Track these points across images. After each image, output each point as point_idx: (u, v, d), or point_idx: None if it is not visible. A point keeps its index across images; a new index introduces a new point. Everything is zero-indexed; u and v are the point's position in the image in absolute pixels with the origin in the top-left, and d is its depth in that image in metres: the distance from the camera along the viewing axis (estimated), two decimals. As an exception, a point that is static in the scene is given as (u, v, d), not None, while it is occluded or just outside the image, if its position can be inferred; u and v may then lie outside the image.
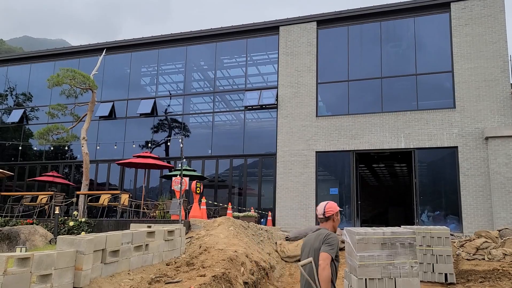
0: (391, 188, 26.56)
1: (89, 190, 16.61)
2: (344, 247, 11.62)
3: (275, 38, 17.95)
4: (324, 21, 17.28)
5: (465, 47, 15.13)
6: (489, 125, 14.20)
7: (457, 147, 14.48)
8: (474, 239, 11.05)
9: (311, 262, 3.66)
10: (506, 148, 13.64)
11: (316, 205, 15.60)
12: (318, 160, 16.11)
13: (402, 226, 9.58)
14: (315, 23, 17.31)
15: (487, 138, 14.01)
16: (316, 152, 16.13)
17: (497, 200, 13.45)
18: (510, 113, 14.15)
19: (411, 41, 16.14)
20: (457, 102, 14.81)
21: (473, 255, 10.47)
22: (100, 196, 15.56)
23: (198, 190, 11.55)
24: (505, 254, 10.21)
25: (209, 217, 13.46)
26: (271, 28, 18.07)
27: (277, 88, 17.35)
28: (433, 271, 9.17)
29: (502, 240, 10.88)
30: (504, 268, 9.34)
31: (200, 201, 12.20)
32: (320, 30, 17.31)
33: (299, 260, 11.55)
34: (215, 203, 15.30)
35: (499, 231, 11.44)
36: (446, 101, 15.11)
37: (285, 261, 11.04)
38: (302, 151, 16.29)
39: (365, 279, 6.43)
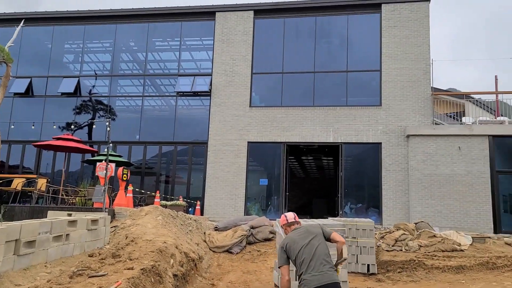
0: (316, 180, 27.42)
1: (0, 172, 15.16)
2: (274, 238, 11.77)
3: (211, 24, 17.54)
4: (261, 11, 17.18)
5: (393, 48, 15.85)
6: (411, 123, 15.05)
7: (381, 143, 15.20)
8: (393, 231, 11.64)
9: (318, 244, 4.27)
10: (424, 146, 14.55)
11: (246, 195, 15.67)
12: (249, 151, 16.09)
13: (330, 218, 9.84)
14: (252, 12, 17.16)
15: (408, 136, 14.85)
16: (248, 142, 16.09)
17: (414, 195, 14.34)
18: (430, 113, 15.12)
19: (343, 38, 16.58)
20: (383, 100, 15.52)
21: (392, 246, 11.02)
22: (12, 180, 14.25)
23: (124, 177, 10.96)
24: (420, 246, 10.87)
25: (134, 205, 12.89)
26: (207, 13, 17.62)
27: (211, 75, 17.01)
28: (357, 262, 9.52)
29: (418, 233, 11.58)
30: (419, 259, 9.93)
31: (126, 188, 11.60)
32: (257, 19, 17.20)
33: (227, 250, 11.35)
34: (142, 191, 14.70)
35: (415, 224, 12.17)
36: (373, 99, 15.77)
37: (213, 251, 10.88)
38: (234, 141, 16.16)
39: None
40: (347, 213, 15.40)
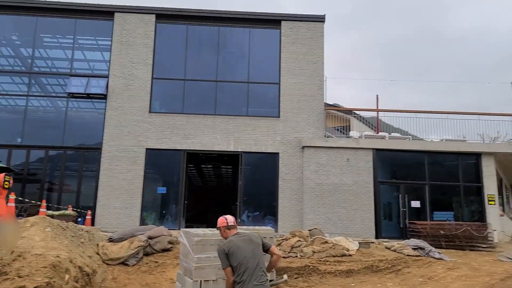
0: (214, 189, 27.46)
1: None
2: (173, 248, 11.45)
3: (108, 24, 16.66)
4: (164, 16, 16.83)
5: (291, 63, 16.65)
6: (306, 135, 15.91)
7: (278, 153, 15.80)
8: (289, 238, 12.13)
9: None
10: (317, 157, 15.47)
11: (142, 204, 15.09)
12: (148, 158, 15.54)
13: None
14: (154, 16, 16.72)
15: (303, 147, 15.66)
16: (146, 149, 15.54)
17: (307, 203, 15.13)
18: (323, 126, 16.15)
19: (245, 50, 16.98)
20: (282, 112, 16.19)
21: (289, 253, 11.46)
22: None
23: (6, 184, 9.78)
24: (314, 252, 11.49)
25: (16, 215, 11.56)
26: (105, 13, 16.71)
27: (108, 77, 16.13)
28: (257, 269, 9.66)
29: (311, 239, 12.22)
30: (313, 264, 10.47)
31: (8, 197, 10.37)
32: (159, 24, 16.80)
33: (123, 263, 10.72)
34: (26, 200, 13.27)
35: (309, 230, 12.84)
36: (272, 110, 16.36)
37: (108, 264, 10.21)
38: (131, 147, 15.48)
39: (200, 281, 6.37)
40: (244, 221, 15.66)
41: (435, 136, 16.68)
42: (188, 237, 6.78)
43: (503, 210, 17.82)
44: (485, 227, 14.11)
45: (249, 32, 17.11)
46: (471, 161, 15.94)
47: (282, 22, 17.03)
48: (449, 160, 16.08)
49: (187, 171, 16.57)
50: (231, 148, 15.79)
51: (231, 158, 17.52)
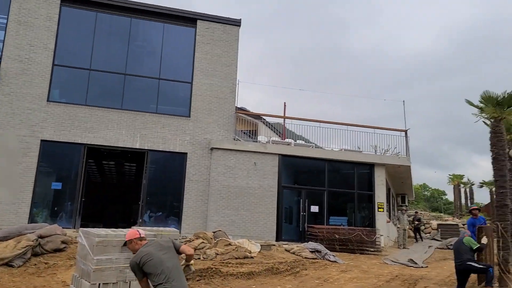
0: (114, 186, 26.15)
1: None
2: (67, 248, 10.65)
3: (5, 0, 15.05)
4: (71, -1, 15.66)
5: (205, 64, 16.54)
6: (215, 137, 15.90)
7: (186, 153, 15.56)
8: (193, 240, 12.01)
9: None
10: (226, 159, 15.56)
11: (33, 200, 13.86)
12: (42, 150, 14.29)
13: (135, 228, 9.48)
14: (59, -3, 15.47)
15: (212, 149, 15.63)
16: (41, 140, 14.28)
17: (212, 205, 15.11)
18: (233, 129, 16.28)
19: (158, 45, 16.49)
20: (192, 112, 15.99)
21: (185, 245, 11.32)
22: None
23: None
24: (217, 254, 11.50)
25: None
26: (2, -13, 15.08)
27: (0, 59, 14.54)
28: (158, 271, 9.38)
29: (215, 241, 12.22)
30: (216, 267, 10.46)
31: None
32: (65, 7, 15.59)
33: (7, 264, 9.79)
34: None
35: (213, 232, 12.83)
36: (183, 109, 16.08)
37: (-11, 266, 9.18)
38: (24, 137, 14.11)
39: (99, 284, 6.00)
40: (146, 221, 15.15)
41: (335, 145, 17.75)
42: (88, 237, 6.35)
43: (389, 217, 19.55)
44: (374, 233, 15.34)
45: (163, 27, 16.65)
46: (365, 171, 17.24)
47: (198, 21, 16.86)
48: (346, 169, 17.22)
49: (86, 166, 15.56)
50: (137, 145, 15.19)
51: (136, 156, 16.85)
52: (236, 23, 17.26)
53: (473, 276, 9.17)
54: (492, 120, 8.33)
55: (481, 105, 8.52)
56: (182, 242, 11.33)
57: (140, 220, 14.99)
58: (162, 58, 16.37)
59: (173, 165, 15.83)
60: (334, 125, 17.68)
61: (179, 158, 15.60)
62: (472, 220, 10.26)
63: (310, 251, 13.06)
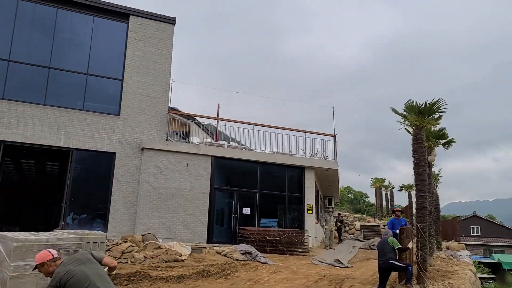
0: (33, 187, 24.38)
1: None
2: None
3: None
4: (-11, -17, 14.42)
5: (137, 61, 16.01)
6: (146, 137, 15.43)
7: (115, 153, 14.93)
8: (120, 243, 11.53)
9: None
10: (157, 160, 15.15)
11: None
12: (-50, 146, 12.97)
13: (57, 230, 8.90)
14: (-24, -20, 14.18)
15: (143, 149, 15.15)
16: (-51, 136, 12.95)
17: (142, 207, 14.63)
18: (165, 129, 15.91)
19: (87, 39, 15.67)
20: (122, 110, 15.38)
21: (119, 258, 10.88)
22: None
23: None
24: (146, 257, 11.15)
25: None
26: None
27: None
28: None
29: (144, 244, 11.85)
30: (145, 270, 10.14)
31: None
32: (-18, -9, 14.31)
33: None
34: None
35: (143, 235, 12.43)
36: (112, 107, 15.42)
37: None
38: None
39: (15, 293, 5.55)
40: (69, 224, 14.30)
41: (267, 148, 18.00)
42: (5, 241, 5.86)
43: (317, 219, 20.21)
44: (303, 234, 15.75)
45: (92, 20, 15.86)
46: (296, 174, 17.68)
47: (131, 17, 16.29)
48: (278, 171, 17.53)
49: (2, 165, 14.36)
50: (61, 143, 14.29)
51: (60, 155, 15.84)
52: (171, 21, 16.91)
53: (394, 275, 9.74)
54: (414, 127, 8.93)
55: (405, 113, 9.10)
56: (104, 248, 10.87)
57: (62, 223, 14.12)
58: (91, 53, 15.57)
59: (100, 165, 15.11)
60: (266, 128, 17.93)
61: (107, 158, 14.92)
62: (393, 220, 10.88)
63: (241, 253, 13.10)
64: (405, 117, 9.15)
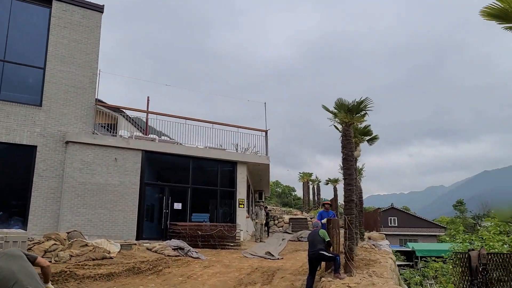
0: None
1: None
2: None
3: None
4: None
5: (61, 49, 15.09)
6: (72, 130, 14.62)
7: (36, 146, 13.99)
8: (43, 242, 10.88)
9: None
10: (83, 154, 14.43)
11: None
12: None
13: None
14: None
15: (67, 142, 14.34)
16: None
17: (66, 203, 13.87)
18: (92, 122, 15.18)
19: (4, 23, 14.46)
20: (44, 101, 14.44)
21: (42, 257, 10.25)
22: None
23: None
24: (72, 256, 10.63)
25: None
26: None
27: None
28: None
29: (69, 242, 11.26)
30: (70, 269, 9.65)
31: None
32: None
33: None
34: None
35: (68, 233, 11.80)
36: (33, 97, 14.41)
37: None
38: None
39: None
40: (-18, 223, 13.18)
41: (199, 143, 17.88)
42: None
43: (248, 212, 20.48)
44: (235, 228, 15.90)
45: (10, 3, 14.68)
46: (228, 168, 17.77)
47: (54, 1, 15.30)
48: (210, 166, 17.50)
49: None
50: (-26, 135, 13.11)
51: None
52: (99, 8, 16.14)
53: (322, 265, 10.19)
54: (343, 124, 9.37)
55: (335, 111, 9.52)
56: (26, 246, 10.24)
57: (-25, 222, 12.97)
58: (8, 38, 14.40)
59: (18, 159, 14.06)
60: (198, 123, 17.78)
61: (27, 152, 13.92)
62: (322, 212, 11.37)
63: (173, 249, 12.93)
64: (335, 114, 9.59)
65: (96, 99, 15.65)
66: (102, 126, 18.20)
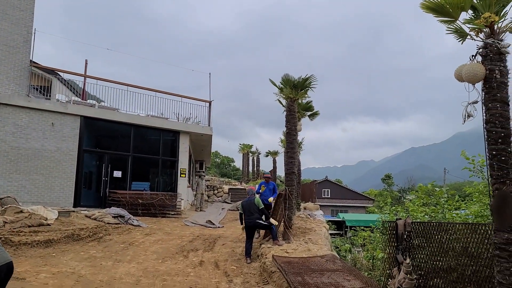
0: None
1: None
2: None
3: None
4: None
5: (-9, 3, 13.98)
6: (3, 91, 13.77)
7: (-37, 107, 13.07)
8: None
9: None
10: (16, 118, 13.71)
11: None
12: None
13: None
14: None
15: (-1, 104, 13.53)
16: None
17: None
18: (26, 84, 14.39)
19: None
20: (-27, 58, 13.41)
21: (-28, 225, 9.83)
22: None
23: None
24: (6, 222, 10.26)
25: None
26: None
27: None
28: None
29: (3, 208, 10.84)
30: (5, 236, 9.37)
31: None
32: None
33: None
34: None
35: (1, 199, 11.33)
36: (-41, 54, 13.32)
37: None
38: None
39: None
40: None
41: (141, 111, 17.52)
42: None
43: (189, 182, 20.61)
44: (176, 197, 16.03)
45: None
46: (170, 138, 17.67)
47: (-17, -51, 14.03)
48: (152, 135, 17.30)
49: None
50: None
51: None
52: (35, -38, 15.02)
53: (261, 233, 10.70)
54: (288, 100, 9.72)
55: (281, 86, 9.82)
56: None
57: None
58: None
59: None
60: (140, 90, 17.37)
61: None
62: (263, 183, 11.80)
63: (113, 217, 12.86)
64: (281, 89, 9.89)
65: (30, 60, 14.77)
66: (34, 88, 17.29)
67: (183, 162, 17.62)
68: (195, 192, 19.47)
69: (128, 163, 16.23)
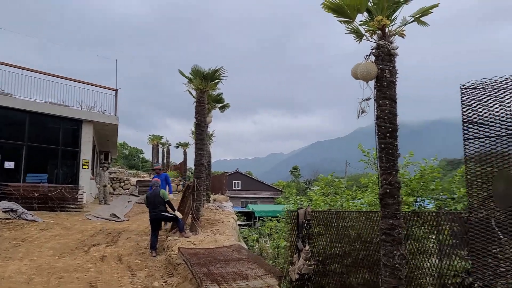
0: None
1: None
2: None
3: None
4: None
5: None
6: None
7: None
8: None
9: None
10: None
11: None
12: None
13: None
14: None
15: None
16: None
17: None
18: None
19: None
20: None
21: None
22: None
23: None
24: None
25: None
26: None
27: None
28: None
29: None
30: None
31: None
32: None
33: None
34: None
35: None
36: None
37: None
38: None
39: None
40: None
41: (38, 97, 16.16)
42: None
43: (93, 174, 19.55)
44: (77, 190, 15.11)
45: None
46: (72, 127, 16.56)
47: None
48: (51, 123, 16.05)
49: None
50: None
51: None
52: None
53: (168, 225, 10.53)
54: (198, 91, 9.62)
55: (191, 77, 9.68)
56: None
57: None
58: None
59: None
60: (38, 75, 16.02)
61: None
62: (156, 176, 12.02)
63: (3, 211, 11.77)
64: (190, 80, 9.75)
65: None
66: None
67: (86, 153, 16.65)
68: (98, 185, 18.50)
69: (23, 153, 14.91)
